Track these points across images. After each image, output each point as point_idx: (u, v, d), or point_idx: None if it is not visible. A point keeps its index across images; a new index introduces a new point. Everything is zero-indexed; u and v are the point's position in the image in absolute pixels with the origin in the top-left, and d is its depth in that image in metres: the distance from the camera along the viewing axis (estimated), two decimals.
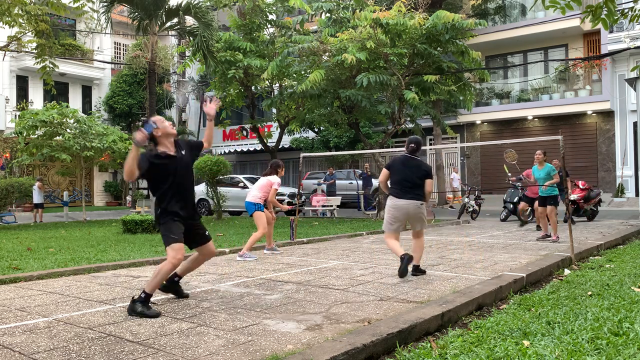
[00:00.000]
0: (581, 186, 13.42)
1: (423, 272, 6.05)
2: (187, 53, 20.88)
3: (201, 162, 15.92)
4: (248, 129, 22.90)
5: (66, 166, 18.15)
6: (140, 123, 29.91)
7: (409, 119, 17.92)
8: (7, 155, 24.04)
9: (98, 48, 29.63)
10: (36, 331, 3.79)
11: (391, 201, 6.04)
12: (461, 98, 16.56)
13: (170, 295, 4.94)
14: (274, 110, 20.18)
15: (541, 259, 6.92)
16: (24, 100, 26.45)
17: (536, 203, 11.00)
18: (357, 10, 15.16)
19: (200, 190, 17.65)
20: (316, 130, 24.33)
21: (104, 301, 4.81)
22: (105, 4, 13.94)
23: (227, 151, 30.02)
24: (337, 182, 20.61)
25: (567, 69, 22.18)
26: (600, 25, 13.34)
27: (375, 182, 18.74)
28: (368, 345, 3.25)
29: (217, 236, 10.53)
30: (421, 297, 4.76)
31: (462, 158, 23.98)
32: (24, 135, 16.11)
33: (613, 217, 14.95)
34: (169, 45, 30.67)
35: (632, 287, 5.01)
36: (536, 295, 4.90)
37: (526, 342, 3.35)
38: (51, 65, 13.05)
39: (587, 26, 20.90)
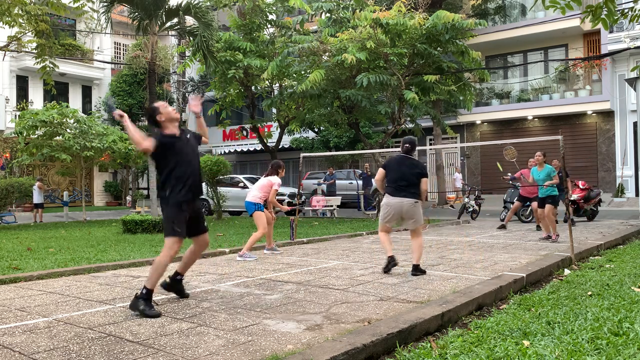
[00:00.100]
0: (581, 186, 13.42)
1: (423, 272, 6.06)
2: (187, 53, 20.88)
3: (201, 162, 15.91)
4: (248, 129, 22.90)
5: (66, 166, 18.15)
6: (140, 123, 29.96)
7: (409, 119, 17.92)
8: (7, 155, 24.04)
9: (98, 48, 29.64)
10: (36, 331, 3.79)
11: (386, 199, 6.24)
12: (461, 98, 16.57)
13: (171, 295, 4.94)
14: (274, 110, 20.18)
15: (541, 259, 6.92)
16: (24, 100, 26.46)
17: (534, 204, 11.03)
18: (357, 10, 15.16)
19: None
20: (316, 130, 24.33)
21: (104, 301, 4.81)
22: (105, 4, 13.93)
23: (227, 151, 30.02)
24: (337, 182, 20.61)
25: (567, 69, 22.18)
26: (600, 25, 13.35)
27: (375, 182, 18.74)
28: (368, 345, 3.25)
29: (217, 236, 10.53)
30: (421, 297, 4.76)
31: (462, 158, 23.98)
32: (24, 135, 16.12)
33: (613, 217, 14.95)
34: (169, 45, 30.67)
35: (632, 287, 5.01)
36: (536, 295, 4.90)
37: (526, 342, 3.35)
38: (51, 65, 13.04)
39: (587, 26, 20.90)
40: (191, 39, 15.98)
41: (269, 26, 19.33)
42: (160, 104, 4.59)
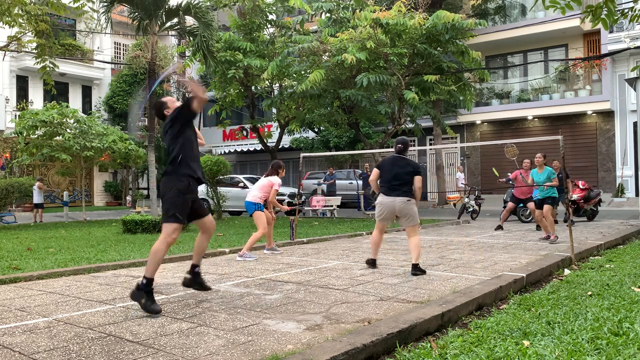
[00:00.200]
0: (581, 186, 13.43)
1: (423, 271, 6.07)
2: (187, 53, 20.89)
3: (201, 162, 15.90)
4: (248, 129, 22.90)
5: (66, 166, 18.16)
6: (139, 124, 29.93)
7: (409, 119, 17.93)
8: (7, 155, 24.05)
9: (98, 48, 29.64)
10: (36, 331, 3.79)
11: (380, 198, 6.42)
12: (461, 98, 16.57)
13: (171, 295, 4.94)
14: (274, 110, 20.19)
15: (541, 259, 6.92)
16: (24, 100, 26.46)
17: (531, 204, 11.05)
18: (357, 10, 15.17)
19: (200, 190, 17.63)
20: (316, 130, 24.33)
21: (104, 301, 4.81)
22: (105, 4, 13.93)
23: (227, 151, 30.02)
24: (337, 182, 20.62)
25: (567, 69, 22.18)
26: (600, 25, 13.35)
27: None
28: (368, 345, 3.25)
29: (217, 236, 10.53)
30: (421, 297, 4.76)
31: (462, 158, 23.98)
32: (24, 135, 16.12)
33: (613, 217, 14.95)
34: (169, 45, 30.67)
35: (632, 287, 5.01)
36: (536, 295, 4.90)
37: (526, 342, 3.35)
38: (51, 65, 13.04)
39: (587, 26, 20.90)
40: (191, 39, 15.98)
41: (269, 26, 19.33)
42: (168, 99, 4.69)
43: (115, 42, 31.99)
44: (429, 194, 24.60)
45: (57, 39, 20.81)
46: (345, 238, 10.58)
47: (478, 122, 23.61)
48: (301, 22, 17.45)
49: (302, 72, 16.97)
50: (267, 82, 18.38)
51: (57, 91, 16.41)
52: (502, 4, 23.69)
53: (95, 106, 29.16)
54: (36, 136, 16.35)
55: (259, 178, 8.48)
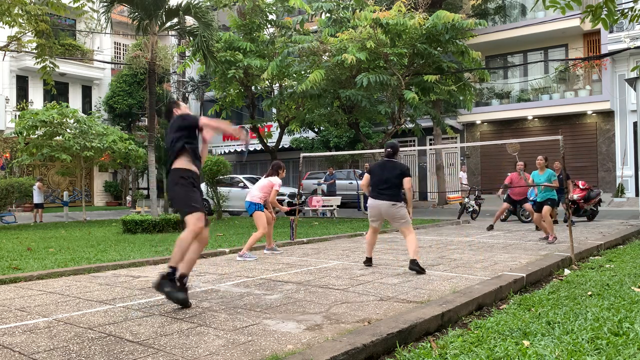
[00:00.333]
0: (581, 186, 13.43)
1: (422, 269, 6.09)
2: (187, 53, 20.88)
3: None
4: (248, 129, 22.91)
5: (66, 166, 18.16)
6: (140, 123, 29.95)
7: (409, 119, 17.93)
8: (7, 155, 24.05)
9: (98, 48, 29.64)
10: (36, 331, 3.79)
11: (369, 201, 6.59)
12: (461, 98, 16.57)
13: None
14: (274, 110, 20.19)
15: (541, 259, 6.91)
16: (24, 100, 26.46)
17: (527, 205, 11.08)
18: (357, 10, 15.17)
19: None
20: (316, 130, 24.33)
21: (104, 301, 4.81)
22: (105, 4, 13.92)
23: (227, 151, 30.02)
24: (337, 182, 20.61)
25: (567, 69, 22.18)
26: (600, 25, 13.35)
27: None
28: (368, 345, 3.25)
29: (217, 236, 10.53)
30: (421, 297, 4.76)
31: (462, 158, 23.98)
32: (24, 135, 16.12)
33: (613, 217, 14.95)
34: (169, 45, 30.67)
35: (632, 287, 5.01)
36: (536, 295, 4.90)
37: (526, 342, 3.35)
38: (51, 65, 13.04)
39: (587, 26, 20.90)
40: (191, 39, 15.98)
41: (269, 26, 19.34)
42: (182, 104, 4.82)
43: (115, 42, 31.99)
44: (429, 194, 24.60)
45: (57, 39, 20.82)
46: (345, 238, 10.58)
47: (478, 122, 23.61)
48: (301, 22, 17.45)
49: (302, 72, 16.97)
50: (267, 82, 18.38)
51: (57, 91, 16.41)
52: (502, 4, 23.69)
53: (95, 106, 29.16)
54: (36, 136, 16.35)
55: (259, 178, 8.48)
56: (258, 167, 30.20)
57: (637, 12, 7.19)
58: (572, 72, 22.16)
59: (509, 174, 11.89)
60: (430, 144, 23.79)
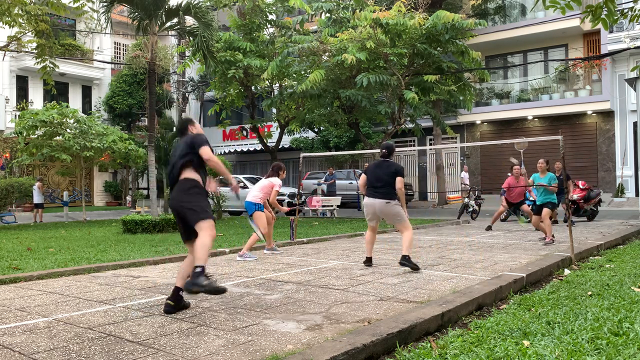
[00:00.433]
0: (581, 186, 13.43)
1: (415, 266, 6.22)
2: (187, 53, 20.88)
3: None
4: (248, 129, 22.91)
5: (66, 166, 18.16)
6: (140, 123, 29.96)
7: (409, 119, 17.93)
8: (7, 155, 24.04)
9: (98, 48, 29.63)
10: (36, 331, 3.79)
11: (365, 200, 6.79)
12: (461, 98, 16.57)
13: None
14: (274, 110, 20.19)
15: (541, 259, 6.91)
16: (24, 100, 26.46)
17: (525, 206, 11.10)
18: (357, 10, 15.18)
19: None
20: (316, 130, 24.33)
21: (104, 301, 4.81)
22: (105, 4, 13.92)
23: (227, 151, 30.02)
24: (337, 182, 20.61)
25: (567, 69, 22.18)
26: (600, 25, 13.34)
27: None
28: (368, 345, 3.25)
29: (217, 236, 10.52)
30: (421, 297, 4.76)
31: (462, 158, 23.98)
32: (24, 135, 16.12)
33: (613, 217, 14.95)
34: (169, 45, 30.66)
35: (632, 287, 5.01)
36: (536, 295, 4.90)
37: (526, 342, 3.35)
38: (51, 65, 13.04)
39: (587, 26, 20.90)
40: (191, 39, 15.98)
41: (269, 26, 19.34)
42: (196, 122, 4.90)
43: (115, 42, 31.99)
44: (429, 194, 24.60)
45: (57, 39, 20.79)
46: (345, 238, 10.58)
47: (478, 122, 23.61)
48: (301, 22, 17.46)
49: (302, 72, 16.97)
50: (267, 82, 18.38)
51: (57, 91, 16.41)
52: (502, 4, 23.69)
53: (95, 106, 29.15)
54: (36, 136, 16.34)
55: (259, 178, 8.49)
56: (258, 167, 30.21)
57: (637, 12, 7.19)
58: (572, 72, 22.17)
59: (509, 174, 11.90)
60: (430, 144, 23.79)
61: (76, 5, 12.01)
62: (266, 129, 22.56)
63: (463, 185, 20.31)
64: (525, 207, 11.36)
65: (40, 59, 12.96)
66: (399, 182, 6.47)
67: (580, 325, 3.71)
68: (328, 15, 16.69)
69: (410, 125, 19.04)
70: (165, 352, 3.26)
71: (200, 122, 32.14)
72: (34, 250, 8.69)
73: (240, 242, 9.12)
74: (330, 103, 16.95)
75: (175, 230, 11.96)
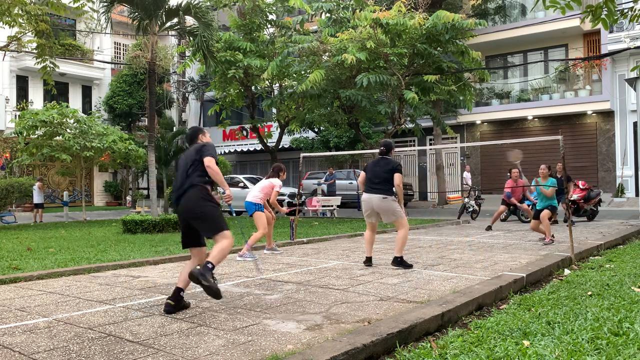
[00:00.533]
0: (581, 186, 13.43)
1: (407, 265, 6.33)
2: (187, 53, 20.88)
3: None
4: (248, 129, 22.90)
5: (66, 166, 18.16)
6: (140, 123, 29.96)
7: (409, 119, 17.93)
8: (7, 155, 24.04)
9: (98, 48, 29.63)
10: (36, 331, 3.79)
11: (363, 196, 6.84)
12: (461, 98, 16.57)
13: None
14: (274, 110, 20.19)
15: (541, 259, 6.91)
16: (24, 100, 26.46)
17: (524, 205, 11.11)
18: (357, 10, 15.18)
19: None
20: (316, 130, 24.33)
21: (104, 301, 4.81)
22: (105, 4, 13.92)
23: (227, 151, 30.00)
24: (337, 182, 20.61)
25: (567, 69, 22.18)
26: (600, 25, 13.34)
27: None
28: (368, 345, 3.25)
29: None
30: (421, 297, 4.76)
31: (462, 158, 23.98)
32: (24, 135, 16.11)
33: (613, 217, 14.95)
34: (169, 45, 30.67)
35: (632, 287, 5.01)
36: (536, 295, 4.90)
37: (526, 342, 3.35)
38: (51, 65, 13.04)
39: (587, 26, 20.90)
40: (191, 39, 15.97)
41: (269, 26, 19.34)
42: (206, 131, 5.05)
43: (115, 42, 31.99)
44: (429, 194, 24.60)
45: (57, 39, 20.80)
46: (345, 238, 10.58)
47: (478, 122, 23.61)
48: (301, 22, 17.46)
49: (302, 72, 16.97)
50: (267, 82, 18.38)
51: (57, 91, 16.42)
52: (502, 4, 23.69)
53: (95, 106, 29.15)
54: (36, 136, 16.34)
55: (260, 178, 8.49)
56: (258, 167, 30.20)
57: (637, 12, 7.19)
58: (572, 72, 22.17)
59: (510, 173, 11.91)
60: (430, 144, 23.79)
61: (76, 5, 12.01)
62: (266, 129, 22.56)
63: (465, 185, 20.33)
64: (525, 207, 11.36)
65: (40, 59, 12.96)
66: (397, 178, 6.52)
67: (580, 325, 3.71)
68: (328, 15, 16.69)
69: (410, 125, 19.04)
70: (165, 352, 3.26)
71: (200, 122, 32.19)
72: (34, 250, 8.69)
73: (240, 242, 9.11)
74: (330, 103, 16.95)
75: (175, 230, 11.96)
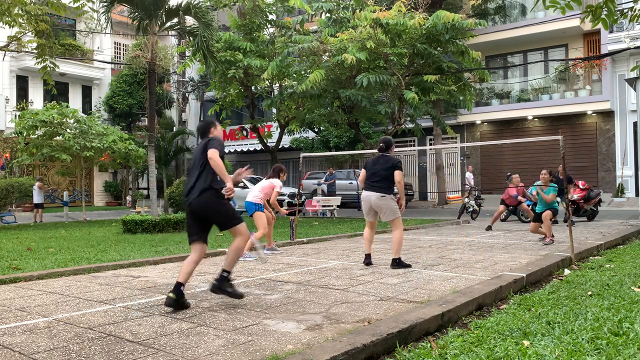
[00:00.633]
0: (581, 186, 13.43)
1: (406, 265, 6.36)
2: (187, 53, 20.88)
3: None
4: (248, 129, 22.91)
5: (66, 166, 18.16)
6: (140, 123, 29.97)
7: (409, 119, 17.94)
8: (7, 155, 24.04)
9: (98, 48, 29.63)
10: (36, 331, 3.79)
11: (362, 194, 6.86)
12: (461, 98, 16.57)
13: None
14: (274, 110, 20.19)
15: (541, 259, 6.91)
16: (24, 100, 26.46)
17: (524, 205, 11.12)
18: (357, 10, 15.18)
19: None
20: (316, 130, 24.33)
21: (104, 301, 4.81)
22: (105, 4, 13.92)
23: (227, 151, 29.96)
24: (337, 182, 20.62)
25: (567, 69, 22.18)
26: (600, 25, 13.35)
27: None
28: (368, 345, 3.25)
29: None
30: (421, 297, 4.76)
31: (462, 158, 23.98)
32: (24, 135, 16.12)
33: (613, 217, 14.95)
34: (169, 45, 30.67)
35: (632, 287, 5.01)
36: (536, 295, 4.90)
37: (526, 342, 3.35)
38: (51, 65, 13.04)
39: (587, 26, 20.90)
40: (191, 39, 15.97)
41: (269, 26, 19.34)
42: (218, 125, 5.06)
43: (115, 42, 31.99)
44: (429, 194, 24.59)
45: (57, 39, 20.80)
46: (345, 238, 10.58)
47: (478, 122, 23.61)
48: (301, 22, 17.46)
49: (302, 72, 16.97)
50: (267, 82, 18.38)
51: (57, 91, 16.41)
52: (502, 4, 23.69)
53: (95, 106, 29.15)
54: (36, 136, 16.35)
55: (260, 178, 8.48)
56: (258, 167, 30.19)
57: (637, 12, 7.19)
58: (572, 72, 22.16)
59: (509, 183, 11.93)
60: (430, 144, 23.78)
61: (76, 5, 12.02)
62: (266, 129, 22.56)
63: (466, 186, 20.33)
64: (525, 207, 11.36)
65: (40, 59, 12.96)
66: (398, 175, 6.53)
67: (580, 325, 3.71)
68: (328, 15, 16.70)
69: (410, 125, 19.04)
70: (165, 352, 3.26)
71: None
72: (34, 250, 8.69)
73: None
74: (330, 103, 16.95)
75: (175, 230, 11.96)
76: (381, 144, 6.81)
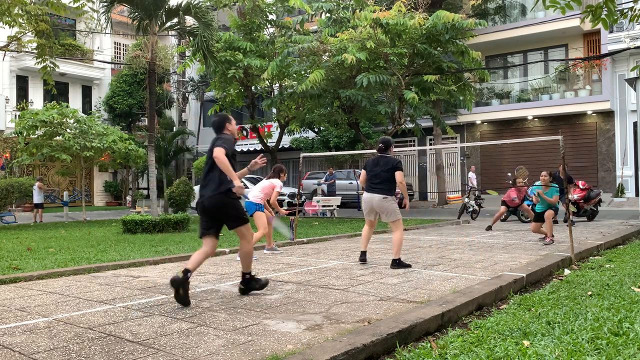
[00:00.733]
0: (581, 186, 13.43)
1: (406, 265, 6.40)
2: (187, 53, 20.87)
3: (201, 161, 15.91)
4: (248, 129, 22.90)
5: (66, 166, 18.16)
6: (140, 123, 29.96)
7: (409, 119, 17.94)
8: (7, 155, 24.04)
9: (98, 48, 29.63)
10: (36, 331, 3.79)
11: (363, 195, 6.91)
12: (461, 98, 16.57)
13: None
14: (274, 110, 20.19)
15: (541, 259, 6.91)
16: (24, 100, 26.46)
17: (525, 205, 11.11)
18: (357, 10, 15.18)
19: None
20: (316, 130, 24.32)
21: (104, 301, 4.81)
22: (105, 4, 13.91)
23: None
24: (337, 182, 20.62)
25: (567, 69, 22.18)
26: (600, 25, 13.35)
27: None
28: (368, 345, 3.25)
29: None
30: (421, 297, 4.76)
31: (462, 158, 23.98)
32: (24, 135, 16.12)
33: (613, 217, 14.95)
34: (169, 45, 30.67)
35: (632, 287, 5.01)
36: (536, 295, 4.90)
37: (526, 342, 3.35)
38: (52, 65, 13.03)
39: (587, 26, 20.90)
40: (191, 39, 15.96)
41: (269, 26, 19.33)
42: (232, 120, 5.10)
43: (115, 42, 31.99)
44: (429, 194, 24.59)
45: (57, 39, 20.81)
46: (345, 238, 10.58)
47: (478, 122, 23.61)
48: (301, 22, 17.46)
49: (302, 72, 16.97)
50: (267, 82, 18.37)
51: (57, 91, 16.40)
52: (502, 4, 23.69)
53: (95, 106, 29.15)
54: (36, 136, 16.34)
55: (260, 178, 8.49)
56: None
57: (637, 12, 7.19)
58: (572, 72, 22.16)
59: (510, 182, 11.93)
60: (430, 144, 23.78)
61: (76, 5, 12.01)
62: (266, 129, 22.55)
63: (465, 186, 20.32)
64: (525, 207, 11.36)
65: (40, 59, 12.95)
66: (399, 175, 6.56)
67: (580, 325, 3.71)
68: (328, 15, 16.70)
69: (410, 125, 19.04)
70: (165, 352, 3.27)
71: (200, 122, 32.19)
72: (34, 250, 8.69)
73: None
74: (330, 103, 16.95)
75: (175, 230, 11.96)
76: (380, 145, 6.84)
